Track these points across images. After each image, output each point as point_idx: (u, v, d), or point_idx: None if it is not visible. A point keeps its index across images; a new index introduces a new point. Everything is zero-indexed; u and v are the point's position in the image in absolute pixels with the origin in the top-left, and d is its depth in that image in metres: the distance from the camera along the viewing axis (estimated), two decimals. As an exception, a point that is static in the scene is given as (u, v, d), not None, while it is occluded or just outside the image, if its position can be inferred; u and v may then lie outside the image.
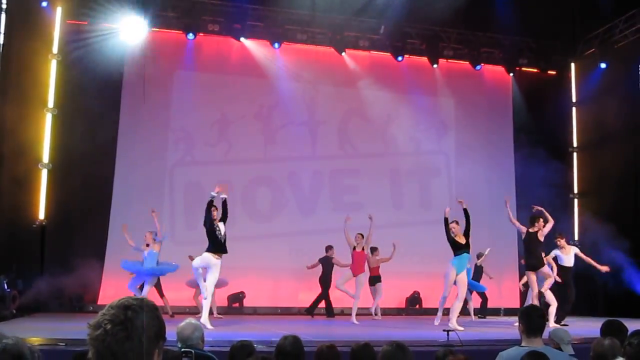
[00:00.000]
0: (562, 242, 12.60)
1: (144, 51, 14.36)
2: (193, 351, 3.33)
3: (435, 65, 16.66)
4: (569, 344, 4.98)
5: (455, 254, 10.98)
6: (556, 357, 4.07)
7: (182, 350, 3.25)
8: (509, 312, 13.01)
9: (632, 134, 15.32)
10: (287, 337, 4.42)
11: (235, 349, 4.74)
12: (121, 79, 15.16)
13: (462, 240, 11.06)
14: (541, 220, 11.45)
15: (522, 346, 4.13)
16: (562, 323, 12.00)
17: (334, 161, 16.27)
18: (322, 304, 13.89)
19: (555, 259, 12.61)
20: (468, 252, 11.07)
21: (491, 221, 15.87)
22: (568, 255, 12.62)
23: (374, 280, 13.40)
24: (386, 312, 13.95)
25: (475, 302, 14.01)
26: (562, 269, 12.58)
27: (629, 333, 4.45)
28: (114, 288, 13.96)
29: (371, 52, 16.62)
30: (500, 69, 17.32)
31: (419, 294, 15.51)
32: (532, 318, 4.22)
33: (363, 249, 12.46)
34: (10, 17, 12.71)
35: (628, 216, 14.93)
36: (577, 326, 11.81)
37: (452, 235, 11.04)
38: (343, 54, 16.17)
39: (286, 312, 14.43)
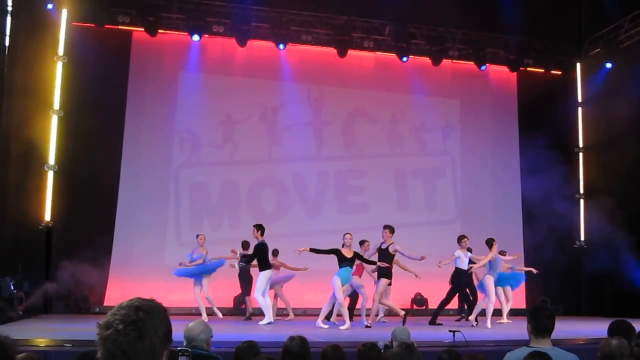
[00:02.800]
0: (465, 242, 12.82)
1: None
2: (190, 350, 3.29)
3: (439, 65, 16.66)
4: (401, 340, 5.01)
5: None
6: (565, 357, 4.06)
7: (179, 348, 3.22)
8: (515, 312, 12.99)
9: (638, 134, 15.28)
10: (294, 337, 4.43)
11: (240, 349, 4.75)
12: (126, 80, 15.19)
13: (349, 255, 11.33)
14: (387, 230, 11.80)
15: (530, 347, 4.12)
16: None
17: (339, 162, 16.27)
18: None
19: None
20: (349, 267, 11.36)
21: (495, 222, 15.86)
22: (466, 258, 12.85)
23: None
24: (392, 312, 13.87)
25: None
26: (457, 271, 12.86)
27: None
28: (119, 289, 13.99)
29: (376, 52, 16.62)
30: (505, 69, 17.28)
31: (421, 295, 15.48)
32: (540, 318, 4.21)
33: None
34: (16, 20, 12.76)
35: (634, 216, 14.88)
36: (584, 326, 11.80)
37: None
38: (348, 53, 16.16)
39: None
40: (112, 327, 1.76)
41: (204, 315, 11.83)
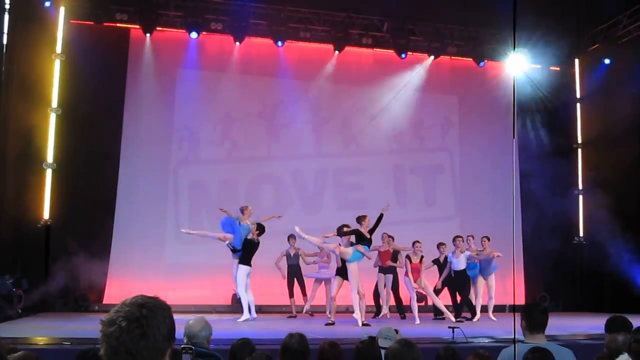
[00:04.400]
0: (459, 242, 13.09)
1: None
2: (193, 348, 3.30)
3: (437, 62, 16.66)
4: (386, 338, 5.06)
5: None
6: (559, 352, 4.07)
7: (182, 346, 3.23)
8: (515, 309, 12.98)
9: (637, 130, 15.27)
10: (293, 335, 4.43)
11: (235, 347, 4.75)
12: (124, 78, 15.17)
13: (367, 236, 11.49)
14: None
15: (525, 342, 4.13)
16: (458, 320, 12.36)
17: (338, 159, 16.26)
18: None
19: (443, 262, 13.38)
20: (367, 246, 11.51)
21: (494, 218, 15.84)
22: (458, 259, 13.08)
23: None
24: (392, 309, 13.88)
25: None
26: (456, 273, 13.14)
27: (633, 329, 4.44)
28: (119, 287, 13.99)
29: (375, 49, 16.60)
30: (503, 64, 17.26)
31: (421, 292, 15.45)
32: (533, 314, 4.22)
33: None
34: (13, 17, 12.72)
35: (633, 212, 14.89)
36: (583, 322, 11.81)
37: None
38: (341, 51, 16.16)
39: (291, 310, 14.39)
40: (115, 324, 1.76)
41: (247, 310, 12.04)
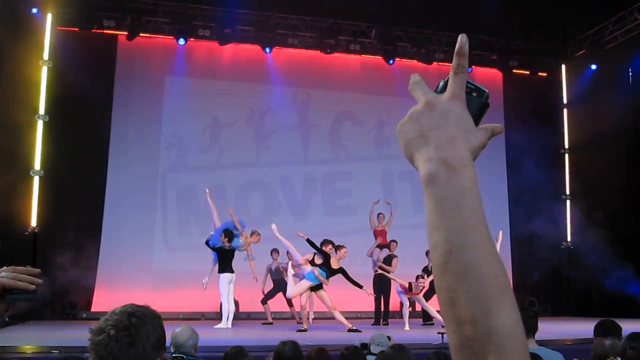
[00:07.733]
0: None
1: None
2: (185, 357, 3.30)
3: (425, 68, 16.70)
4: (379, 345, 5.11)
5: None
6: (550, 356, 4.08)
7: (174, 355, 3.23)
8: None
9: (623, 135, 15.37)
10: (285, 342, 4.42)
11: (229, 355, 4.73)
12: (112, 84, 15.13)
13: (334, 266, 11.39)
14: (329, 246, 11.60)
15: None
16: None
17: (326, 165, 16.27)
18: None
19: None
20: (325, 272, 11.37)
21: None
22: None
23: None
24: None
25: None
26: None
27: (623, 334, 4.45)
28: (107, 295, 13.92)
29: (362, 55, 16.64)
30: (491, 71, 17.34)
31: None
32: (523, 319, 4.21)
33: None
34: None
35: (620, 217, 14.97)
36: (572, 326, 11.85)
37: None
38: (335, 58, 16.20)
39: (279, 316, 14.38)
40: (104, 333, 1.74)
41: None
